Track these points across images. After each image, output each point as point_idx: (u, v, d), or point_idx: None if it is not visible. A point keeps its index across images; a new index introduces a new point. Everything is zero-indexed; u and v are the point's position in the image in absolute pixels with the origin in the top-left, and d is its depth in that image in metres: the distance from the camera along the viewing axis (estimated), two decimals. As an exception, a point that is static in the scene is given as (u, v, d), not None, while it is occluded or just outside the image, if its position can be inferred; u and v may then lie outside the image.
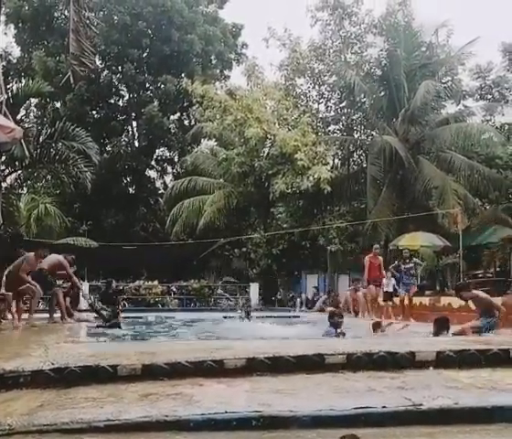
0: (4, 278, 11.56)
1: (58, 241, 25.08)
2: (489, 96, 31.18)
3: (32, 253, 12.17)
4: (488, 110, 29.28)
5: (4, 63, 31.52)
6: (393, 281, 15.79)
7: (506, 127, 30.29)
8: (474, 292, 10.91)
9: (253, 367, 5.94)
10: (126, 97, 36.67)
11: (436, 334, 9.20)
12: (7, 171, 16.78)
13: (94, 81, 32.67)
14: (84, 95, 32.69)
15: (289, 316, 18.91)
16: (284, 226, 26.41)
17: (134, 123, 36.39)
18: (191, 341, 9.98)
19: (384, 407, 4.79)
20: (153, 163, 37.40)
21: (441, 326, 9.31)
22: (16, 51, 36.67)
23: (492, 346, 6.79)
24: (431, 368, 6.18)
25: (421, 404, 4.85)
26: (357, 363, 6.16)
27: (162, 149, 37.21)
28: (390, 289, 15.77)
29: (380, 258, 16.44)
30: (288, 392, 5.31)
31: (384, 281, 15.83)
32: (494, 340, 8.04)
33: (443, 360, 6.30)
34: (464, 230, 21.61)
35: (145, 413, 4.47)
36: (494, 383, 5.70)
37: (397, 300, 15.74)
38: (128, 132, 36.76)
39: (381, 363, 6.21)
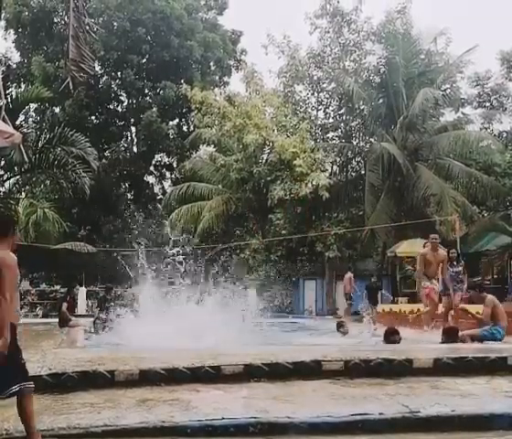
0: None
1: (56, 246, 25.09)
2: (487, 104, 31.30)
3: None
4: (486, 117, 29.37)
5: (3, 68, 31.61)
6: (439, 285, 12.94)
7: (504, 135, 30.40)
8: (486, 294, 10.51)
9: (250, 373, 5.94)
10: (125, 103, 36.73)
11: (444, 343, 9.02)
12: (6, 176, 16.77)
13: (93, 87, 32.73)
14: (83, 101, 32.72)
15: (286, 322, 18.90)
16: (283, 232, 26.38)
17: (133, 129, 36.42)
18: (189, 347, 9.96)
19: (381, 414, 4.80)
20: (151, 168, 37.42)
21: (450, 337, 9.13)
22: (16, 56, 36.76)
23: (490, 353, 6.80)
24: (428, 375, 6.18)
25: (418, 411, 4.86)
26: (354, 370, 6.16)
27: (161, 155, 37.23)
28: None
29: (442, 252, 12.55)
30: (285, 398, 5.31)
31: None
32: (491, 348, 8.04)
33: (441, 367, 6.30)
34: (462, 237, 21.64)
35: (143, 419, 4.48)
36: (491, 390, 5.70)
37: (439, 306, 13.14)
38: (127, 137, 36.80)
39: (379, 370, 6.21)
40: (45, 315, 19.86)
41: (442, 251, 12.52)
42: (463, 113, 29.49)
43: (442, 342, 9.06)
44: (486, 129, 29.40)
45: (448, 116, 28.58)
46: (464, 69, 27.41)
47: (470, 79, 30.68)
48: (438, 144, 25.12)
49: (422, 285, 12.17)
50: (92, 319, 14.87)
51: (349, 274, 20.92)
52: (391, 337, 9.34)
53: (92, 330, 13.25)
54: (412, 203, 24.62)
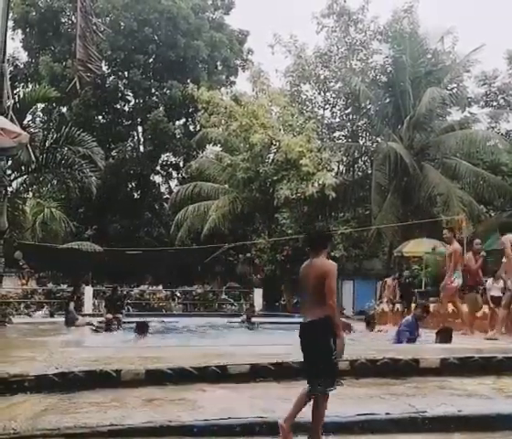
0: None
1: (62, 246, 25.16)
2: (494, 103, 31.14)
3: None
4: (493, 117, 29.22)
5: (11, 68, 31.68)
6: (501, 283, 12.61)
7: (512, 134, 30.26)
8: None
9: (257, 373, 5.94)
10: (132, 102, 36.76)
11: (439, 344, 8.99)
12: (13, 175, 16.81)
13: (100, 87, 32.78)
14: (90, 100, 32.80)
15: (292, 322, 18.85)
16: (289, 232, 26.32)
17: (140, 129, 36.46)
18: (195, 346, 9.97)
19: (387, 414, 4.79)
20: (158, 168, 37.44)
21: (444, 338, 9.11)
22: (24, 56, 36.89)
23: (496, 353, 6.77)
24: (435, 375, 6.17)
25: (425, 412, 4.84)
26: (360, 369, 6.14)
27: (167, 154, 37.23)
28: (497, 293, 12.62)
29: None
30: (292, 399, 5.29)
31: (489, 283, 13.12)
32: (498, 348, 8.01)
33: (448, 368, 6.28)
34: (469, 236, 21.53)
35: (149, 418, 4.48)
36: (498, 391, 5.68)
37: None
38: (133, 137, 36.84)
39: (385, 370, 6.19)
40: (51, 315, 19.87)
41: None
42: (470, 113, 29.37)
43: (436, 343, 9.06)
44: (493, 128, 29.24)
45: (455, 115, 28.48)
46: (470, 69, 27.29)
47: (477, 78, 30.54)
48: (445, 143, 25.04)
49: None
50: (103, 319, 14.84)
51: (389, 278, 19.93)
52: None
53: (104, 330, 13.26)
54: (419, 203, 24.55)
